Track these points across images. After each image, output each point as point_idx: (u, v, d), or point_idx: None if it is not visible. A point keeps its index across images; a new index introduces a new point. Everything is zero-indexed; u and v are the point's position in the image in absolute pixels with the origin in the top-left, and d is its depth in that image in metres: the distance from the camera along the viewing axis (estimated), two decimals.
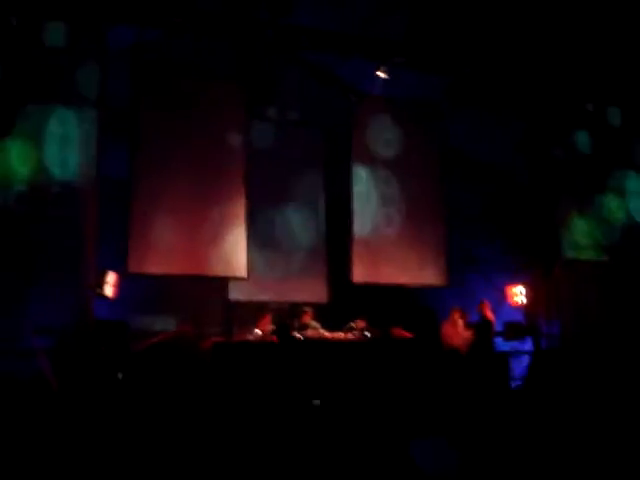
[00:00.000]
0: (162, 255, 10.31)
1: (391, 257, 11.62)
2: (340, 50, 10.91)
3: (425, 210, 11.98)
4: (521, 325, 11.38)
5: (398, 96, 11.79)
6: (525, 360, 10.87)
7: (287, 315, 11.02)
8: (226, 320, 11.53)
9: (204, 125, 10.84)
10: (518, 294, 11.50)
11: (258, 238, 11.25)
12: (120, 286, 9.84)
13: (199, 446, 6.83)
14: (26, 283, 8.54)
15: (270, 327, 10.16)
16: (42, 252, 8.68)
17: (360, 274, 11.48)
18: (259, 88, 11.53)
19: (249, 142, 11.15)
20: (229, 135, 10.99)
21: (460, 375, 9.47)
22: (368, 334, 10.32)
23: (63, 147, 8.91)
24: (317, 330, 10.43)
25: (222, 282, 11.36)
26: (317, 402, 8.66)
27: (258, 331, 10.07)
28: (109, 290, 9.66)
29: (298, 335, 9.89)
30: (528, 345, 11.21)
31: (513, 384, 10.28)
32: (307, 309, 10.74)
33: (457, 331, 10.47)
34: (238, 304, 11.61)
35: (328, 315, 11.29)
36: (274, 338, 9.83)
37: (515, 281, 11.57)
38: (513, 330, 11.23)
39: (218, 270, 10.77)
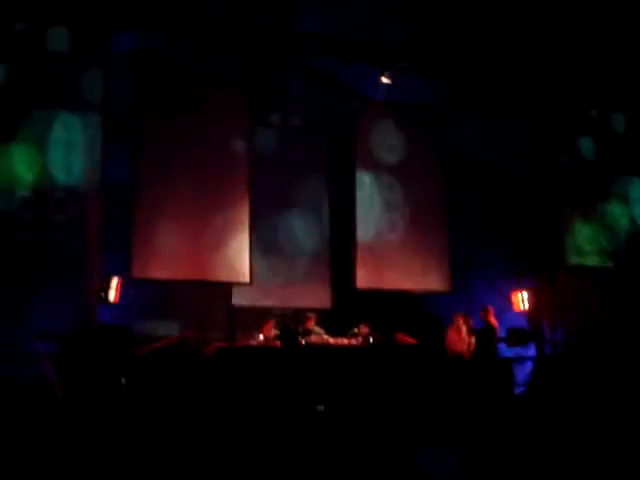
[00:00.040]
0: (166, 260, 10.33)
1: (395, 263, 11.62)
2: (343, 55, 10.90)
3: (429, 216, 11.97)
4: (525, 331, 11.34)
5: (401, 101, 11.80)
6: (528, 366, 10.85)
7: (291, 321, 11.02)
8: (229, 325, 11.53)
9: (208, 131, 10.86)
10: (522, 300, 11.47)
11: (262, 244, 11.27)
12: (124, 291, 9.84)
13: (202, 451, 6.82)
14: (30, 288, 8.54)
15: (273, 332, 10.16)
16: (46, 257, 8.68)
17: (364, 280, 11.48)
18: (263, 94, 11.56)
19: (253, 148, 11.18)
20: (233, 141, 11.01)
21: (463, 381, 9.45)
22: (372, 340, 10.31)
23: (67, 152, 8.92)
24: (321, 336, 10.43)
25: (225, 287, 11.37)
26: (321, 408, 8.64)
27: (261, 336, 10.07)
28: (113, 295, 9.66)
29: (301, 340, 9.89)
30: (532, 351, 11.18)
31: (516, 390, 10.25)
32: (311, 315, 10.74)
33: (461, 337, 10.46)
34: (241, 309, 11.62)
35: (332, 321, 11.30)
36: (277, 343, 9.82)
37: (519, 287, 11.54)
38: (516, 336, 11.20)
39: (221, 275, 10.78)
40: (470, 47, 10.96)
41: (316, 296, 12.07)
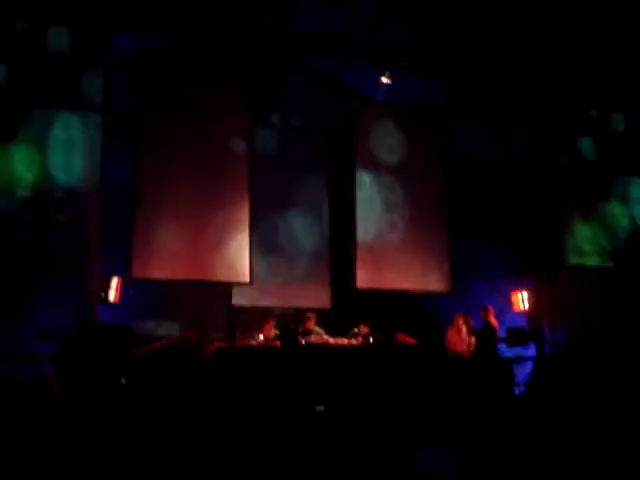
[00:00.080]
0: (166, 260, 10.32)
1: (395, 263, 11.61)
2: (343, 55, 10.90)
3: (429, 216, 11.97)
4: (524, 331, 11.34)
5: (401, 101, 11.80)
6: (528, 366, 10.85)
7: (291, 321, 11.02)
8: (229, 325, 11.52)
9: (207, 131, 10.86)
10: (522, 300, 11.47)
11: (261, 244, 11.27)
12: (124, 291, 9.84)
13: (202, 451, 6.82)
14: (30, 288, 8.54)
15: (273, 332, 10.15)
16: (46, 257, 8.68)
17: (364, 280, 11.48)
18: (263, 94, 11.56)
19: (253, 148, 11.17)
20: (233, 141, 11.00)
21: (463, 381, 9.45)
22: (372, 339, 10.31)
23: (67, 152, 8.92)
24: (320, 336, 10.43)
25: (225, 287, 11.37)
26: (320, 408, 8.63)
27: (261, 336, 10.06)
28: (113, 295, 9.66)
29: (301, 340, 9.89)
30: (532, 351, 11.18)
31: (516, 390, 10.25)
32: (310, 315, 10.73)
33: (461, 337, 10.46)
34: (241, 309, 11.62)
35: (332, 321, 11.29)
36: (277, 343, 9.82)
37: (519, 287, 11.54)
38: (516, 336, 11.20)
39: (221, 275, 10.78)
40: (470, 47, 10.96)
41: (316, 296, 12.07)
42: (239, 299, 11.56)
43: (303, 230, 12.06)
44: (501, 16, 10.69)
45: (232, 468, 6.48)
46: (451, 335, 10.52)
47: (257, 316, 10.94)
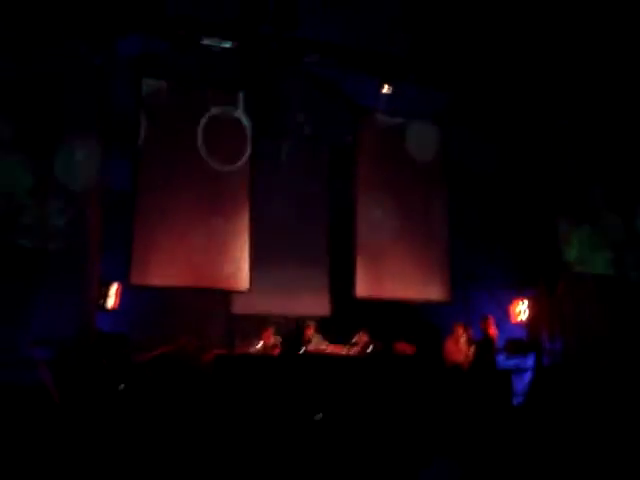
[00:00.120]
0: (165, 267, 10.32)
1: (395, 272, 11.61)
2: (344, 65, 10.93)
3: (429, 225, 11.98)
4: (523, 341, 11.33)
5: (402, 111, 11.81)
6: (527, 377, 10.82)
7: (290, 328, 11.01)
8: (228, 333, 11.49)
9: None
10: (521, 311, 11.45)
11: (261, 251, 11.24)
12: (122, 298, 9.83)
13: (200, 459, 6.80)
14: (28, 294, 8.53)
15: (272, 340, 10.14)
16: (45, 263, 8.68)
17: (363, 288, 11.47)
18: (264, 101, 11.56)
19: (253, 155, 11.17)
20: (233, 148, 11.00)
21: (462, 391, 9.43)
22: (371, 348, 10.29)
23: (67, 156, 8.92)
24: (319, 344, 10.42)
25: (225, 295, 11.35)
26: (319, 416, 8.61)
27: (260, 344, 10.05)
28: (112, 302, 9.64)
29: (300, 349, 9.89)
30: (530, 362, 11.16)
31: (515, 401, 10.22)
32: (310, 323, 10.73)
33: (459, 347, 10.43)
34: (240, 317, 11.58)
35: (331, 329, 11.26)
36: (276, 351, 9.81)
37: (518, 297, 11.52)
38: (515, 346, 11.18)
39: (221, 283, 10.77)
40: (470, 58, 11.00)
41: (315, 304, 12.03)
42: (238, 306, 11.53)
43: (303, 238, 12.05)
44: (501, 27, 10.74)
45: (230, 476, 6.47)
46: (449, 345, 10.50)
47: (256, 323, 10.91)
